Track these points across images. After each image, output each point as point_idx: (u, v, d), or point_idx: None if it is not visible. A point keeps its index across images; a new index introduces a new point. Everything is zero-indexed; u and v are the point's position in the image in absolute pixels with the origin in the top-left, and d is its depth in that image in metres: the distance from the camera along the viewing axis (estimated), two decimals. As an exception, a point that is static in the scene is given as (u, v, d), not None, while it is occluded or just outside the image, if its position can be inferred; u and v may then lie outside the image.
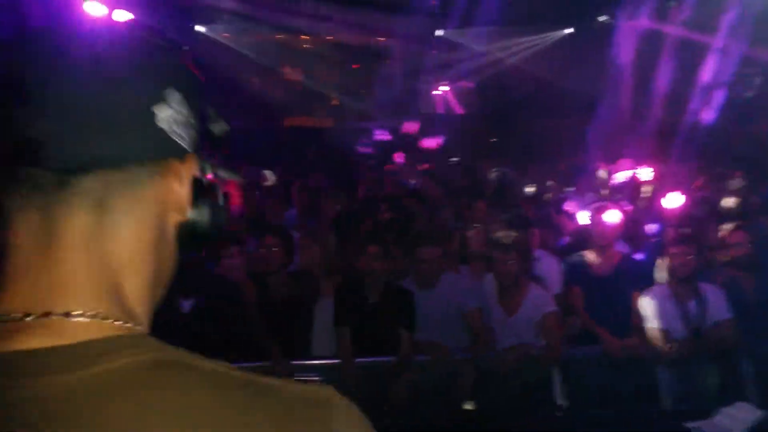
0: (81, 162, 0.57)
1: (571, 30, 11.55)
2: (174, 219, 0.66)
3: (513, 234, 3.94)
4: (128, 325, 0.58)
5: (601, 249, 4.30)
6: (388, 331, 3.63)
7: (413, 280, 3.88)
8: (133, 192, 0.61)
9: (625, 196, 6.53)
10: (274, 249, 3.81)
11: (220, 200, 0.71)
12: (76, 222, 0.58)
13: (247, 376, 0.57)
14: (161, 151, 0.62)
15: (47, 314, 0.55)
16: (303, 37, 14.63)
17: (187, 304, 3.56)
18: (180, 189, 0.65)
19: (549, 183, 7.81)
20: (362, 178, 7.93)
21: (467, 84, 15.15)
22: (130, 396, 0.52)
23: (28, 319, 0.54)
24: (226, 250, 3.90)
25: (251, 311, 3.74)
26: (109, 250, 0.59)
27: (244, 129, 11.55)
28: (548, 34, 11.92)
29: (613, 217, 4.24)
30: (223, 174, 0.73)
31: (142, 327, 0.61)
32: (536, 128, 11.42)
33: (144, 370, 0.54)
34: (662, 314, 3.73)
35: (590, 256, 4.33)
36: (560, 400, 3.74)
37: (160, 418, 0.51)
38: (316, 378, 3.71)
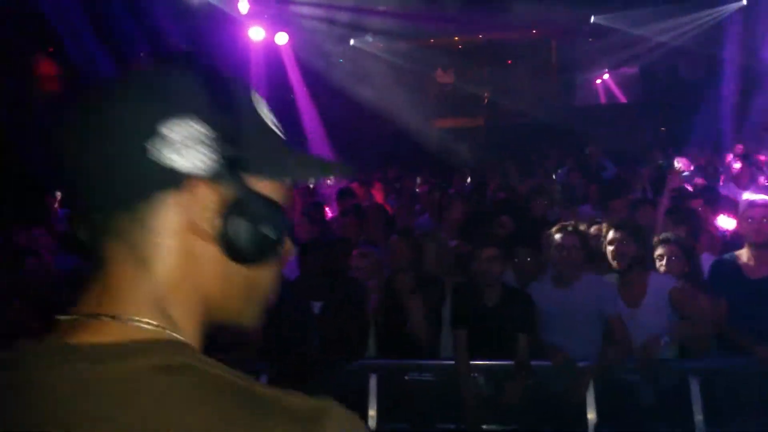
0: (99, 205, 0.67)
1: (742, 2, 10.29)
2: (203, 241, 0.68)
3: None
4: (166, 331, 0.65)
5: (756, 248, 3.85)
6: (505, 334, 3.62)
7: (550, 278, 3.81)
8: (147, 226, 0.66)
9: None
10: (399, 251, 3.97)
11: (260, 213, 0.68)
12: (117, 248, 0.68)
13: (250, 386, 0.61)
14: (159, 184, 0.65)
15: (97, 315, 0.65)
16: (456, 38, 14.74)
17: (317, 306, 3.86)
18: (197, 213, 0.67)
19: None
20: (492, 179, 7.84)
21: (629, 70, 14.18)
22: (128, 395, 0.59)
23: (85, 319, 0.66)
24: (352, 253, 4.15)
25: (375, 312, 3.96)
26: (149, 270, 0.67)
27: (394, 133, 11.98)
28: (716, 9, 10.73)
29: (758, 209, 3.77)
30: (277, 182, 0.72)
31: (182, 335, 0.66)
32: (705, 114, 10.37)
33: (149, 373, 0.60)
34: None
35: (744, 256, 3.90)
36: (697, 415, 3.44)
37: (146, 416, 0.57)
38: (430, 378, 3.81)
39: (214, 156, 0.65)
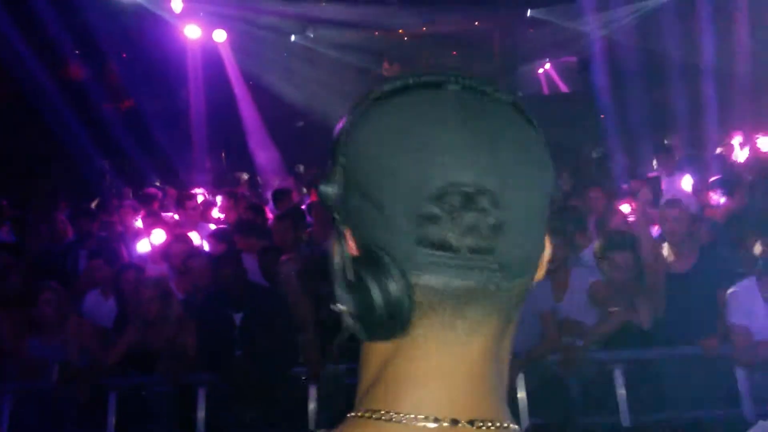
0: (520, 272, 0.59)
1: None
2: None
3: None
4: (514, 427, 0.61)
5: (674, 245, 4.00)
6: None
7: None
8: (530, 286, 0.63)
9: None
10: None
11: None
12: (491, 327, 0.60)
13: None
14: (539, 256, 0.63)
15: (455, 422, 0.57)
16: (400, 31, 14.77)
17: (238, 318, 3.84)
18: (548, 250, 0.66)
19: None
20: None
21: (569, 59, 14.48)
22: None
23: (433, 425, 0.57)
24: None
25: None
26: (503, 347, 0.63)
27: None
28: (645, 2, 11.03)
29: (674, 209, 3.94)
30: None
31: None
32: (645, 103, 10.68)
33: None
34: (747, 312, 3.40)
35: (665, 251, 4.05)
36: (621, 404, 3.56)
37: None
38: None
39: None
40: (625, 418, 3.54)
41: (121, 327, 4.15)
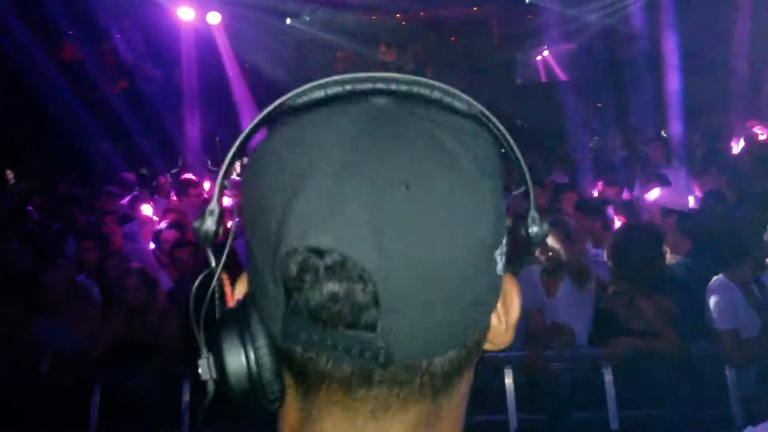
0: (426, 352, 0.48)
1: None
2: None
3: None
4: None
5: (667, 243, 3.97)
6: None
7: None
8: (467, 364, 0.53)
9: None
10: None
11: None
12: (409, 416, 0.50)
13: None
14: (495, 298, 0.53)
15: None
16: (398, 15, 14.62)
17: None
18: (502, 325, 0.56)
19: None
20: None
21: (569, 46, 14.36)
22: None
23: None
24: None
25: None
26: (438, 427, 0.53)
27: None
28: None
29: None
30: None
31: None
32: (644, 92, 10.59)
33: None
34: (731, 313, 3.37)
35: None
36: (610, 401, 3.53)
37: None
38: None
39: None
40: (613, 416, 3.51)
41: (105, 315, 4.09)
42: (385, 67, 14.79)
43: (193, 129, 10.74)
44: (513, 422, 3.57)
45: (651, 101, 9.89)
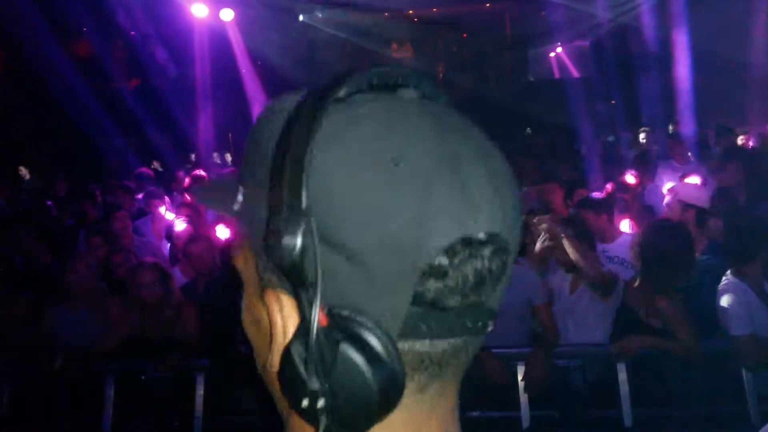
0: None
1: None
2: None
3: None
4: None
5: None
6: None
7: None
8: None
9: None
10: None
11: None
12: (455, 388, 0.56)
13: None
14: None
15: None
16: (410, 12, 14.58)
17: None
18: None
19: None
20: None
21: (582, 43, 14.28)
22: None
23: None
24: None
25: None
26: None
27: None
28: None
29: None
30: None
31: None
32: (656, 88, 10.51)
33: None
34: (746, 316, 3.32)
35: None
36: (624, 399, 3.50)
37: None
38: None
39: None
40: (627, 414, 3.49)
41: (121, 309, 4.12)
42: (397, 63, 14.76)
43: (206, 124, 10.80)
44: (525, 419, 3.56)
45: (664, 98, 9.83)
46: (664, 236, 3.46)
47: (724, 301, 3.32)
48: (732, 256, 3.45)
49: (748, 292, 3.32)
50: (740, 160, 5.41)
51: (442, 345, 0.49)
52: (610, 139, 10.55)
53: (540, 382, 3.51)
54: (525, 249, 4.06)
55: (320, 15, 12.25)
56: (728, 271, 3.40)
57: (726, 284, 3.37)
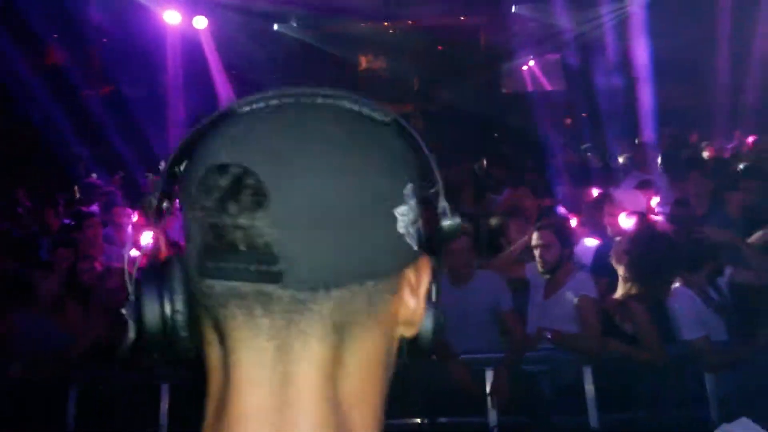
0: (321, 279, 0.49)
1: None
2: (399, 335, 0.58)
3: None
4: None
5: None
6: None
7: (447, 276, 3.81)
8: (369, 314, 0.52)
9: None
10: None
11: (438, 300, 0.59)
12: (312, 354, 0.51)
13: None
14: (401, 261, 0.54)
15: None
16: (385, 24, 14.67)
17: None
18: (413, 301, 0.56)
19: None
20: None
21: (553, 56, 14.50)
22: None
23: None
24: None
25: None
26: (343, 385, 0.52)
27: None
28: (623, 3, 11.05)
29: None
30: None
31: None
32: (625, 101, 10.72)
33: None
34: (697, 320, 3.42)
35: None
36: (590, 403, 3.53)
37: None
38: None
39: (426, 234, 0.58)
40: (593, 414, 3.52)
41: (85, 316, 4.05)
42: (373, 73, 14.83)
43: (177, 133, 10.69)
44: (493, 424, 3.57)
45: (631, 110, 10.02)
46: (651, 244, 3.52)
47: (674, 308, 3.42)
48: (680, 264, 3.54)
49: (695, 299, 3.42)
50: (701, 170, 5.55)
51: (233, 285, 0.51)
52: (584, 148, 10.72)
53: (504, 391, 3.53)
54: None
55: (295, 24, 12.25)
56: (676, 280, 3.49)
57: (674, 292, 3.49)
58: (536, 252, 3.78)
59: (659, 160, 6.98)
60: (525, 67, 15.22)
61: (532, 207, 5.31)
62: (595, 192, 5.72)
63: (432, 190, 0.58)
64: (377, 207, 0.51)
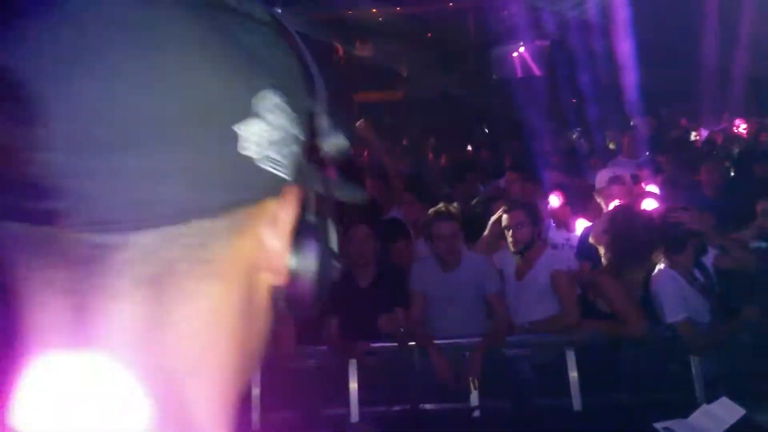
0: (126, 219, 0.38)
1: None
2: (265, 282, 0.47)
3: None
4: None
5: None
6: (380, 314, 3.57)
7: (436, 262, 3.72)
8: (201, 261, 0.41)
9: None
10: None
11: (331, 241, 0.50)
12: (121, 311, 0.39)
13: None
14: (246, 191, 0.41)
15: None
16: (374, 11, 14.55)
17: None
18: (275, 240, 0.45)
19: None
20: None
21: (542, 43, 14.43)
22: None
23: None
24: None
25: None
26: (169, 349, 0.41)
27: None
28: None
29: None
30: (338, 197, 0.52)
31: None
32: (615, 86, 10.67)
33: None
34: (680, 303, 3.36)
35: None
36: (573, 385, 3.47)
37: None
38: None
39: (302, 157, 0.45)
40: (576, 401, 3.46)
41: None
42: (361, 61, 14.72)
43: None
44: (475, 409, 3.50)
45: (620, 95, 9.97)
46: (633, 222, 3.49)
47: (656, 289, 3.37)
48: (664, 245, 3.47)
49: (679, 280, 3.36)
50: (689, 155, 5.51)
51: (21, 228, 0.40)
52: (575, 135, 10.68)
53: (476, 372, 3.47)
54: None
55: (280, 11, 12.10)
56: (660, 261, 3.42)
57: (657, 273, 3.42)
58: (508, 233, 3.72)
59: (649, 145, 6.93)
60: (515, 54, 15.14)
61: (518, 190, 5.24)
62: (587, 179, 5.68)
63: (309, 105, 0.47)
64: (206, 120, 0.38)
